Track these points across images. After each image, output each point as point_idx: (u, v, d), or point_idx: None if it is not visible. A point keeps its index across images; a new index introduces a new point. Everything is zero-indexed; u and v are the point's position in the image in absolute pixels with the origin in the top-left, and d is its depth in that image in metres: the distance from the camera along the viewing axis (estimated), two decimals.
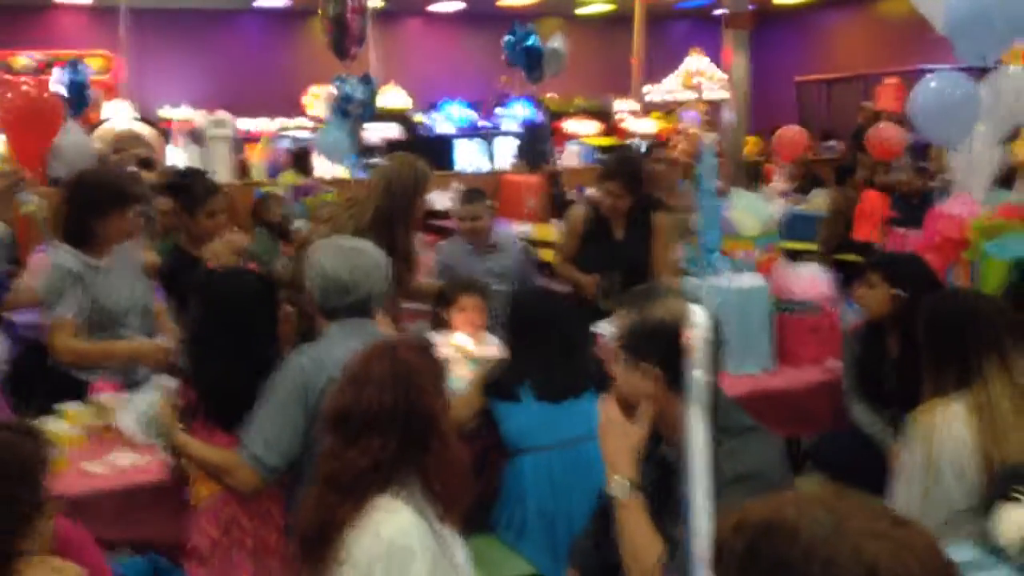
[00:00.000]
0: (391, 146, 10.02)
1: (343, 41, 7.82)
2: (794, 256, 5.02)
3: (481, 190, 4.77)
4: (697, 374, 1.68)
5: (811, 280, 3.97)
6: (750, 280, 3.83)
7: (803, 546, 1.02)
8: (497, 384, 3.09)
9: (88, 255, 3.40)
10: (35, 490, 1.71)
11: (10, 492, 1.64)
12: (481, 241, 4.51)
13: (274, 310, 2.84)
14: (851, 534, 1.02)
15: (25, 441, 1.73)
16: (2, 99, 4.90)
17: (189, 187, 3.90)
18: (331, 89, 7.77)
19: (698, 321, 1.71)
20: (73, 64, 7.47)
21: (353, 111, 7.75)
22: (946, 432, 2.42)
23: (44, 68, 14.28)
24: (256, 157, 11.11)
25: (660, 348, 1.98)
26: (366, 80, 8.33)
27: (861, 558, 1.00)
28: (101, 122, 10.71)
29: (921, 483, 2.44)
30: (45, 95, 5.12)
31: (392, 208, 3.73)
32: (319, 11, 8.09)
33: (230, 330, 2.71)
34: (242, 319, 2.73)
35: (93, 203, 3.42)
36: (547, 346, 3.12)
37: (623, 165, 4.37)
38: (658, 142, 9.29)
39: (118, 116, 10.94)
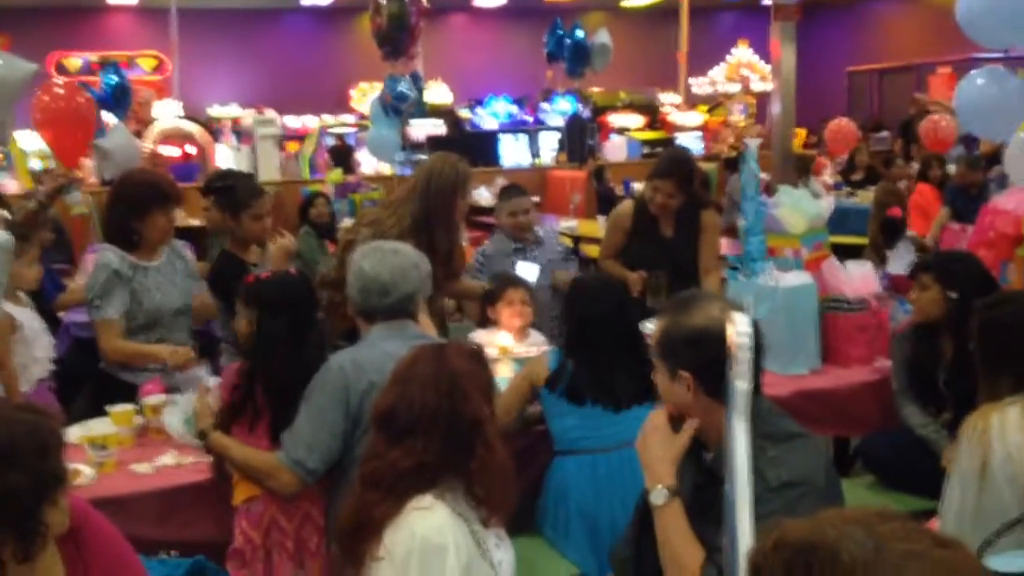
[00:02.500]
0: (435, 143, 10.04)
1: (402, 40, 7.79)
2: (844, 251, 4.94)
3: (519, 185, 4.75)
4: (739, 383, 1.65)
5: (861, 278, 3.89)
6: (797, 279, 3.76)
7: (843, 569, 0.99)
8: (563, 388, 3.04)
9: (133, 255, 3.45)
10: (56, 466, 1.77)
11: (35, 469, 1.71)
12: (527, 236, 4.49)
13: (314, 312, 2.87)
14: (892, 556, 0.99)
15: (42, 421, 1.79)
16: (38, 101, 5.02)
17: (232, 190, 3.91)
18: (381, 87, 7.78)
19: (740, 328, 1.67)
20: (113, 66, 7.61)
21: (407, 109, 7.78)
22: (1000, 437, 2.36)
23: (97, 69, 14.58)
24: (297, 153, 11.15)
25: (695, 355, 1.97)
26: (415, 78, 8.35)
27: None
28: (153, 121, 10.91)
29: (974, 489, 2.38)
30: (78, 97, 5.22)
31: (431, 209, 3.72)
32: (370, 10, 8.08)
33: (287, 333, 2.76)
34: (298, 321, 2.79)
35: (133, 203, 3.45)
36: (609, 348, 3.06)
37: (677, 165, 4.30)
38: None
39: (165, 115, 11.12)
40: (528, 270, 4.16)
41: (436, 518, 2.00)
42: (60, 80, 5.79)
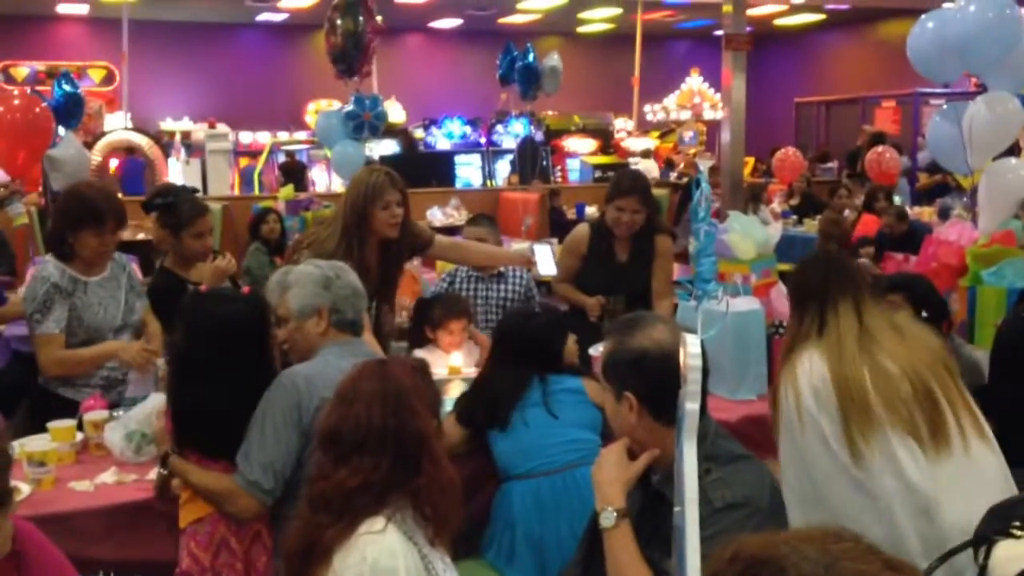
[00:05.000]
0: (389, 162, 10.04)
1: (357, 58, 7.75)
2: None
3: (487, 216, 4.78)
4: (690, 405, 1.66)
5: None
6: (746, 304, 3.80)
7: None
8: (486, 413, 3.06)
9: (74, 269, 3.37)
10: (0, 485, 1.70)
11: None
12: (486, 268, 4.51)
13: (264, 333, 2.77)
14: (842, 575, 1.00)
15: None
16: None
17: (173, 207, 3.83)
18: (336, 104, 7.75)
19: (691, 350, 1.68)
20: (67, 76, 7.50)
21: (381, 127, 7.81)
22: (807, 374, 2.36)
23: (46, 78, 14.34)
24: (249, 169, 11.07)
25: (638, 377, 2.00)
26: (375, 97, 8.35)
27: None
28: (103, 133, 10.74)
29: (796, 426, 2.36)
30: (36, 108, 5.15)
31: (350, 221, 3.61)
32: (325, 28, 8.05)
33: (213, 354, 2.62)
34: (227, 343, 2.64)
35: (69, 218, 3.39)
36: (533, 368, 3.09)
37: (638, 181, 4.33)
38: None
39: (116, 128, 10.96)
40: (544, 256, 4.24)
41: (387, 542, 1.96)
42: (15, 91, 5.68)
